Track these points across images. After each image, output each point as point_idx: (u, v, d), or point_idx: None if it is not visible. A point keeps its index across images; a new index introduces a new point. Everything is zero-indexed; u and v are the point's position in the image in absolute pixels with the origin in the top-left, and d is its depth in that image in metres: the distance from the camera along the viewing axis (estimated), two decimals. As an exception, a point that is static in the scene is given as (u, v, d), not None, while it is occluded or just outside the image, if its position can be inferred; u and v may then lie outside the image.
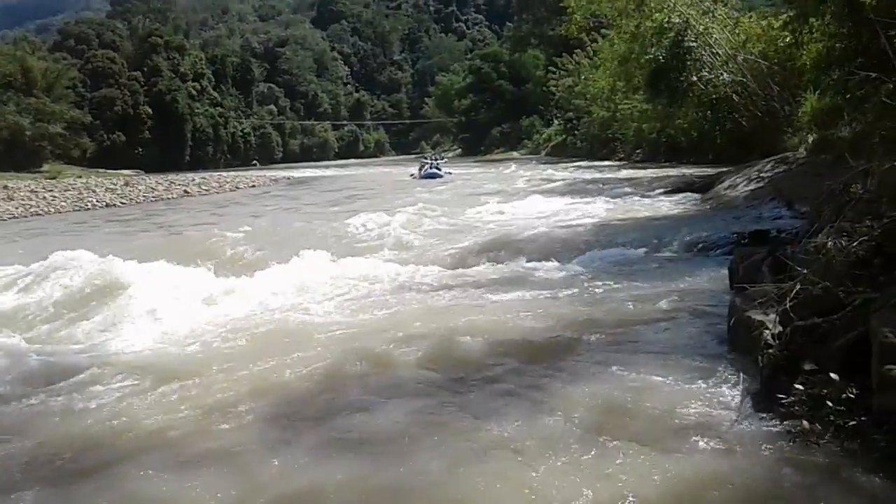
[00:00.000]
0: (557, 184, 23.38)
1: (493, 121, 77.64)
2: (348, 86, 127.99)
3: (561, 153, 50.56)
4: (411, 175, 34.53)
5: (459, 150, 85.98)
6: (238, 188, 38.25)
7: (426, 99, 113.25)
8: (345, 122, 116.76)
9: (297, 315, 7.43)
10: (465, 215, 15.27)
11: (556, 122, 57.69)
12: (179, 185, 36.78)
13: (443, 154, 61.72)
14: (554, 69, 53.87)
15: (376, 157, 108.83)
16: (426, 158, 40.11)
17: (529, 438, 4.24)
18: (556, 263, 9.32)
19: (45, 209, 26.93)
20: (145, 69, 77.60)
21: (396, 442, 4.38)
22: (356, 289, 8.51)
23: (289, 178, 46.91)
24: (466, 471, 3.93)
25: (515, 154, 64.18)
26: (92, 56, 75.94)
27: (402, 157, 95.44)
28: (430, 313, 7.16)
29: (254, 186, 39.90)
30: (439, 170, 34.69)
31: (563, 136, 53.81)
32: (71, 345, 6.95)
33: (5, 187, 32.08)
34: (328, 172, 55.07)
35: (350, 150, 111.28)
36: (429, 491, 3.79)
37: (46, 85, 61.30)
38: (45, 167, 52.23)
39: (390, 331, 6.57)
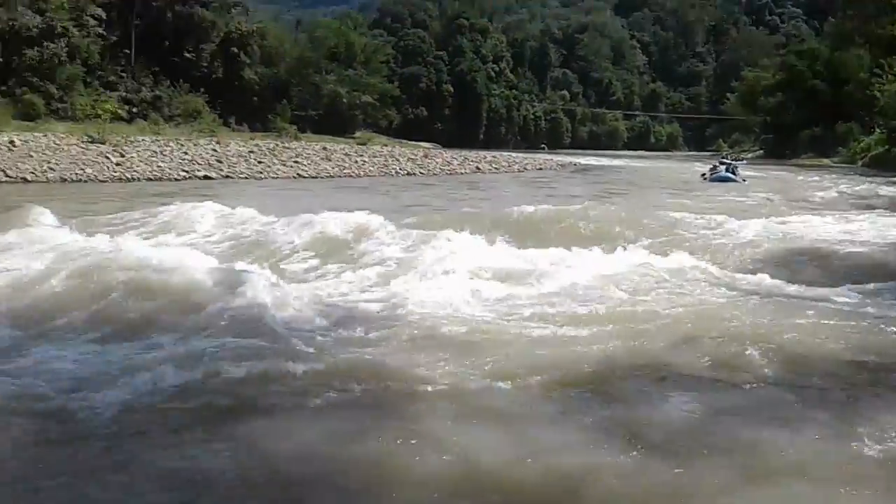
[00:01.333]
0: (878, 200, 20.94)
1: (803, 123, 71.48)
2: (644, 75, 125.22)
3: (882, 166, 45.20)
4: (702, 176, 32.55)
5: (761, 151, 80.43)
6: (526, 170, 39.15)
7: (728, 94, 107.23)
8: (637, 113, 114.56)
9: (590, 299, 7.38)
10: (760, 224, 14.17)
11: (878, 130, 51.79)
12: (472, 161, 38.46)
13: (741, 155, 57.91)
14: (880, 72, 48.27)
15: (667, 150, 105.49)
16: (724, 158, 37.68)
17: (824, 465, 3.86)
18: (866, 286, 8.34)
19: (356, 172, 29.65)
20: (450, 49, 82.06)
21: (673, 442, 4.21)
22: (655, 284, 8.23)
23: (575, 165, 47.10)
24: (751, 488, 3.67)
25: (826, 161, 58.61)
26: (405, 34, 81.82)
27: (694, 153, 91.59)
28: (719, 319, 6.75)
29: (540, 169, 40.59)
30: (734, 173, 31.58)
31: (886, 147, 48.17)
32: (370, 294, 7.53)
33: (324, 148, 35.71)
34: (615, 162, 54.50)
35: (640, 141, 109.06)
36: (706, 501, 3.58)
37: (364, 59, 67.09)
38: (357, 134, 57.34)
39: (677, 330, 6.30)
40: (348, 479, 3.84)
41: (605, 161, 55.95)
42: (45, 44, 35.34)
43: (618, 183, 31.23)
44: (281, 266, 9.07)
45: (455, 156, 40.39)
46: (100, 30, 40.62)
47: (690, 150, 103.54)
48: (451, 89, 79.54)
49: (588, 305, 7.17)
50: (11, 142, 24.21)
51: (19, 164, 21.72)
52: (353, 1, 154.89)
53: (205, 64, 48.96)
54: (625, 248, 10.21)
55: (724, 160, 35.60)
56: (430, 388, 4.95)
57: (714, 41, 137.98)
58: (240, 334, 5.85)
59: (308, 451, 4.10)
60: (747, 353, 5.60)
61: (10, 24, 34.58)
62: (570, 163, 48.39)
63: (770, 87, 79.66)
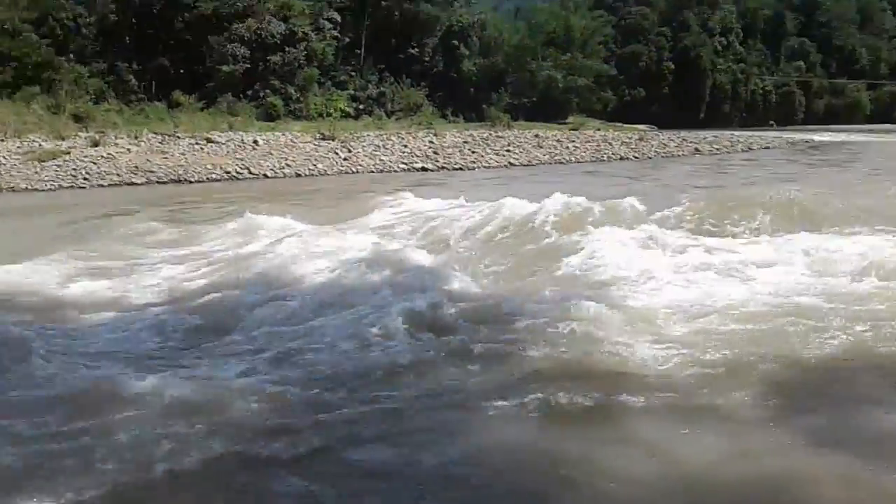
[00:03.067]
0: None
1: None
2: (895, 39, 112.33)
3: None
4: None
5: None
6: (751, 148, 37.10)
7: None
8: (885, 82, 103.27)
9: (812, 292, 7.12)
10: None
11: None
12: (691, 142, 37.00)
13: None
14: None
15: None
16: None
17: None
18: None
19: (567, 158, 29.67)
20: (674, 24, 78.86)
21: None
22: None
23: (807, 142, 43.69)
24: None
25: None
26: (626, 13, 79.67)
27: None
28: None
29: (767, 148, 38.28)
30: None
31: None
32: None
33: (537, 136, 35.94)
34: (853, 138, 49.68)
35: (885, 114, 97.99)
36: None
37: (582, 41, 66.29)
38: (570, 119, 56.94)
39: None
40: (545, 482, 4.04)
41: (842, 137, 51.33)
42: (287, 49, 38.63)
43: (853, 162, 28.73)
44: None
45: (672, 137, 38.99)
46: (335, 32, 43.46)
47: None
48: (672, 67, 76.40)
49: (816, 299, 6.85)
50: (255, 141, 26.99)
51: (261, 161, 24.00)
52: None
53: (426, 58, 50.92)
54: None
55: None
56: (643, 386, 5.01)
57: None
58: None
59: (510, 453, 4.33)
60: None
61: (258, 32, 38.17)
62: (802, 140, 44.90)
63: None
